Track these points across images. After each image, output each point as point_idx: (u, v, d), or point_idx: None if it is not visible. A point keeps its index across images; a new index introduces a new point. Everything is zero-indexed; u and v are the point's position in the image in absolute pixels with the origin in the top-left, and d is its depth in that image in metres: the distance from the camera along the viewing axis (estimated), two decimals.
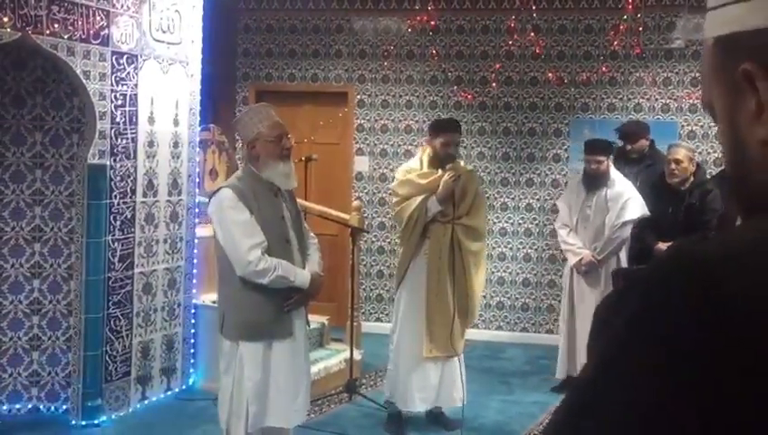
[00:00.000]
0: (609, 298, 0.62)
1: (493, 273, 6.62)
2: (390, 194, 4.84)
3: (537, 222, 6.57)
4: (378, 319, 6.69)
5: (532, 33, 6.29)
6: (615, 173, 5.02)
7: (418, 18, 6.35)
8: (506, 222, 6.63)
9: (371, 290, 6.83)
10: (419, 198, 4.27)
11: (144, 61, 4.61)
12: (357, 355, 5.22)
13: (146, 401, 4.75)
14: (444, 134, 4.31)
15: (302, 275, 3.31)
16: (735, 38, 0.64)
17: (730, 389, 0.51)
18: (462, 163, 4.59)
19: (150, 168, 4.71)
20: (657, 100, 6.33)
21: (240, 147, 6.85)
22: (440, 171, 4.28)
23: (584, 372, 0.59)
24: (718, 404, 0.51)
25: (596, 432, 0.55)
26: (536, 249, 6.59)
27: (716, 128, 0.71)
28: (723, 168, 5.28)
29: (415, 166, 4.43)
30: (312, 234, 3.58)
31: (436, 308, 4.30)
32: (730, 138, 0.66)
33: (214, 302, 5.05)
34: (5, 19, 3.81)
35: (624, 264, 5.07)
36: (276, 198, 3.33)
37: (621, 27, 5.95)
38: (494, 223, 6.61)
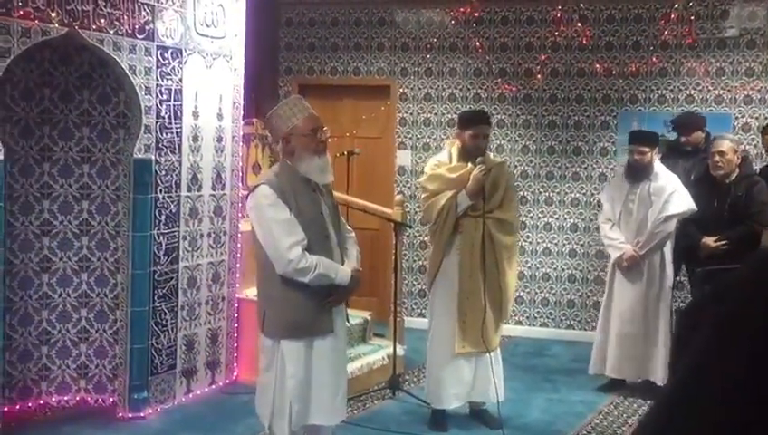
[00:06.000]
0: (695, 304, 0.59)
1: (537, 268, 6.51)
2: (419, 189, 4.77)
3: (583, 217, 6.44)
4: (420, 314, 6.64)
5: (579, 24, 6.15)
6: (659, 166, 4.88)
7: (462, 10, 6.27)
8: (551, 217, 6.51)
9: (414, 285, 6.79)
10: (449, 193, 4.18)
11: (188, 55, 4.63)
12: (399, 351, 5.18)
13: (191, 395, 4.79)
14: (473, 127, 4.22)
15: (342, 272, 3.25)
16: None
17: None
18: (492, 156, 4.50)
19: (195, 162, 4.72)
20: (709, 91, 6.14)
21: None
22: (470, 165, 4.19)
23: (676, 374, 0.57)
24: None
25: (695, 431, 0.54)
26: (582, 245, 6.46)
27: None
28: None
29: (444, 160, 4.34)
30: (348, 227, 3.51)
31: (468, 304, 4.23)
32: None
33: (256, 296, 5.07)
34: (53, 15, 3.85)
35: (668, 259, 4.93)
36: (314, 193, 3.27)
37: (672, 16, 5.78)
38: (539, 217, 6.50)
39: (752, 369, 0.51)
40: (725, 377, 0.52)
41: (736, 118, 6.10)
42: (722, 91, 6.11)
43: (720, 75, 6.11)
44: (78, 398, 4.62)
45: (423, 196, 4.38)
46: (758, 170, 5.22)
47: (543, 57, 6.35)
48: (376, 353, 5.28)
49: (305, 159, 3.20)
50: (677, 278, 5.18)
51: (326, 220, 3.28)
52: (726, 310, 0.55)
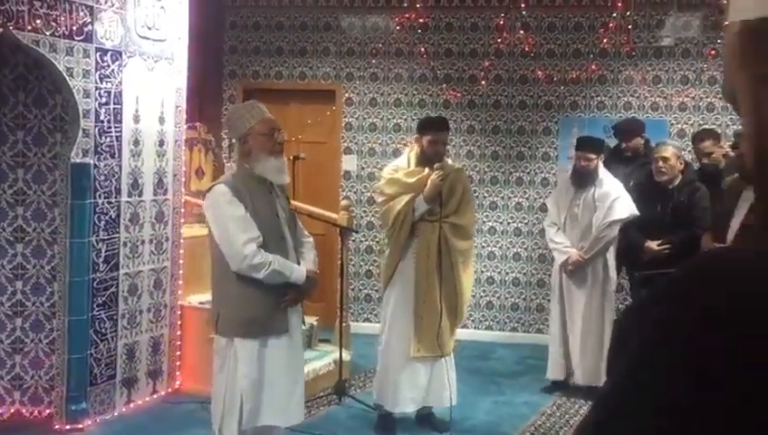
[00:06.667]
0: (634, 306, 0.60)
1: (482, 272, 6.58)
2: (377, 193, 4.79)
3: (526, 221, 6.54)
4: (366, 319, 6.64)
5: (522, 31, 6.26)
6: (604, 172, 4.99)
7: (407, 16, 6.30)
8: (496, 221, 6.60)
9: (360, 290, 6.78)
10: (406, 197, 4.23)
11: (129, 57, 4.53)
12: (346, 356, 5.16)
13: (131, 405, 4.68)
14: (431, 132, 4.28)
15: (298, 271, 3.31)
16: (766, 23, 0.59)
17: (756, 392, 0.50)
18: (450, 162, 4.56)
19: (135, 167, 4.62)
20: (646, 98, 6.32)
21: (227, 145, 6.78)
22: (427, 170, 4.24)
23: (612, 377, 0.57)
24: (745, 408, 0.50)
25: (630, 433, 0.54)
26: (526, 248, 6.56)
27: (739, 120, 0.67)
28: (700, 166, 5.27)
29: (402, 164, 4.40)
30: (306, 232, 3.58)
31: (424, 308, 4.27)
32: (756, 132, 0.62)
33: (201, 303, 5.00)
34: None
35: (611, 263, 5.05)
36: (270, 194, 3.34)
37: (611, 25, 5.93)
38: (484, 222, 6.57)
39: (684, 372, 0.51)
40: (658, 380, 0.52)
41: (672, 124, 6.29)
42: (658, 99, 6.30)
43: (656, 83, 6.30)
44: (12, 410, 4.46)
45: (380, 200, 4.41)
46: None
47: (487, 63, 6.43)
48: (322, 359, 5.25)
49: (262, 159, 3.27)
50: (618, 281, 5.30)
51: (281, 222, 3.34)
52: (660, 312, 0.55)
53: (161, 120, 4.81)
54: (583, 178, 4.96)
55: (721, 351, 0.51)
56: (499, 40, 6.32)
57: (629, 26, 5.80)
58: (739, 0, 0.63)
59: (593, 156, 4.91)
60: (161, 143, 4.82)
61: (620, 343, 0.58)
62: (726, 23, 0.65)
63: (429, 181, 4.20)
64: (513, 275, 6.59)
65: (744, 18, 0.62)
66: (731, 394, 0.50)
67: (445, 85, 6.56)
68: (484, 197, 6.57)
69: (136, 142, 4.62)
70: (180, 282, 5.00)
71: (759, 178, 0.65)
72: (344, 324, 5.25)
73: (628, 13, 5.71)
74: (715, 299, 0.52)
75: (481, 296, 6.61)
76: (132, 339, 4.67)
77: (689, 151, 6.05)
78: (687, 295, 0.54)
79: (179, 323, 5.01)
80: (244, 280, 3.21)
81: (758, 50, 0.60)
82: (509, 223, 6.59)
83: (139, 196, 4.66)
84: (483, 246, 6.57)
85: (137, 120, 4.62)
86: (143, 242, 4.70)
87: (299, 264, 3.36)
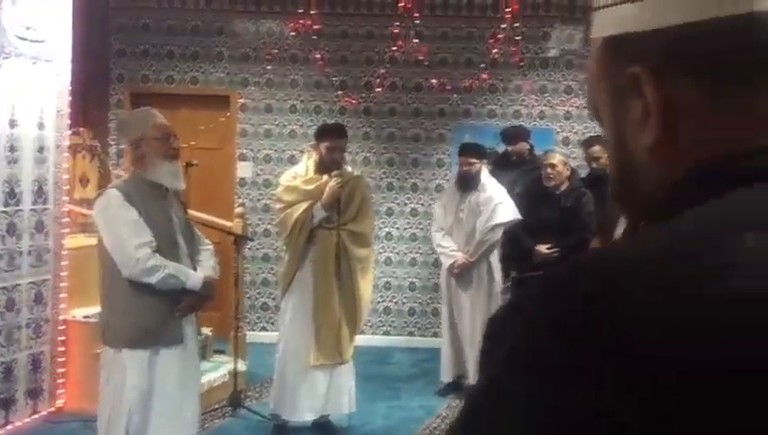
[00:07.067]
0: (508, 304, 0.59)
1: (379, 278, 6.62)
2: (275, 200, 4.75)
3: (422, 226, 6.64)
4: (263, 328, 6.55)
5: (416, 40, 6.35)
6: (487, 178, 5.15)
7: (301, 22, 6.26)
8: (392, 227, 6.66)
9: (256, 299, 6.68)
10: (305, 204, 4.22)
11: (4, 59, 4.28)
12: (241, 367, 5.07)
13: (9, 426, 4.40)
14: (329, 139, 4.28)
15: (194, 277, 3.24)
16: (625, 40, 0.61)
17: (629, 393, 0.47)
18: (349, 169, 4.57)
19: (12, 174, 4.37)
20: (534, 107, 6.55)
21: (115, 151, 6.52)
22: (326, 177, 4.24)
23: (481, 378, 0.56)
24: (621, 408, 0.47)
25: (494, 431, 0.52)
26: (421, 253, 6.65)
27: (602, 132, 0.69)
28: (589, 173, 5.53)
29: (300, 171, 4.39)
30: (206, 240, 3.53)
31: (322, 315, 4.26)
32: (616, 143, 0.64)
33: (87, 316, 4.77)
34: None
35: (495, 266, 5.20)
36: (164, 200, 3.27)
37: (500, 36, 6.11)
38: (380, 228, 6.62)
39: (555, 373, 0.50)
40: (526, 380, 0.51)
41: (557, 132, 6.56)
42: (545, 108, 6.55)
43: (543, 92, 6.55)
44: None
45: (278, 207, 4.38)
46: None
47: (382, 71, 6.49)
48: (217, 371, 5.13)
49: (156, 163, 3.21)
50: (505, 284, 5.45)
51: (175, 228, 3.27)
52: (534, 311, 0.54)
53: (41, 126, 4.57)
54: (467, 183, 5.11)
55: (595, 350, 0.49)
56: (394, 48, 6.38)
57: (517, 37, 5.99)
58: (600, 17, 0.64)
59: (475, 160, 5.07)
60: (41, 149, 4.58)
61: (493, 341, 0.56)
62: (592, 37, 0.66)
63: (328, 188, 4.20)
64: (410, 279, 6.67)
65: (604, 34, 0.63)
66: (608, 396, 0.48)
67: (340, 92, 6.57)
68: (381, 203, 6.62)
69: (12, 148, 4.37)
70: (64, 295, 4.76)
71: (619, 190, 0.66)
72: (240, 334, 5.15)
73: (516, 24, 5.89)
74: (591, 299, 0.51)
75: (378, 302, 6.64)
76: (10, 357, 4.40)
77: (575, 158, 6.33)
78: (562, 294, 0.53)
79: (63, 338, 4.77)
80: (136, 287, 3.11)
81: (617, 64, 0.62)
82: (405, 229, 6.66)
83: (17, 205, 4.41)
84: (380, 252, 6.62)
85: (13, 124, 4.37)
86: (21, 254, 4.44)
87: (195, 271, 3.30)
